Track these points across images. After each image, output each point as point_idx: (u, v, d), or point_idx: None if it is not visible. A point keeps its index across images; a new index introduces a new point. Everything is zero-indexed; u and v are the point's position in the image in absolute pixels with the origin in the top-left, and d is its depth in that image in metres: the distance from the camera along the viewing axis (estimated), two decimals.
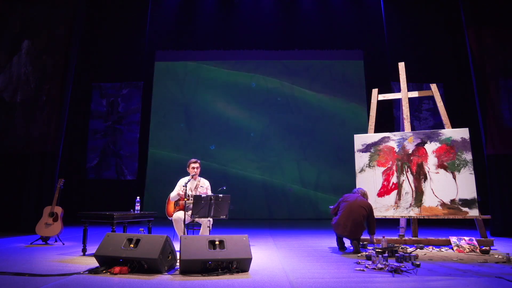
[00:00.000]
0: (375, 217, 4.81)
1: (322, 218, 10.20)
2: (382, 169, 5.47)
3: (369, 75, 11.07)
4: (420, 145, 5.37)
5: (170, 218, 4.55)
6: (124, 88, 10.45)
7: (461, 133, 5.22)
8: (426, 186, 5.18)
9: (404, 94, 5.92)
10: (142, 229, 4.29)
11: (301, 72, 11.52)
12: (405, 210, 5.19)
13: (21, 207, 6.71)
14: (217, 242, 3.30)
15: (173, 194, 4.59)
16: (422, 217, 5.09)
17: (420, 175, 5.26)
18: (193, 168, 4.68)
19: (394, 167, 5.42)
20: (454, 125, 5.52)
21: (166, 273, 3.17)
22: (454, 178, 5.08)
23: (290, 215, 10.59)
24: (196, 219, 4.42)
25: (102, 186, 9.83)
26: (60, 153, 7.03)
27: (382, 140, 5.61)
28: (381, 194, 5.38)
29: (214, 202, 4.03)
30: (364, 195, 4.79)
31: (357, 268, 3.41)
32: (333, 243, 5.04)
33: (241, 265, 3.25)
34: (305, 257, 4.09)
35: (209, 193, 4.66)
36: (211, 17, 11.35)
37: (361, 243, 4.65)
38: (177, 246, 3.50)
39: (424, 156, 5.31)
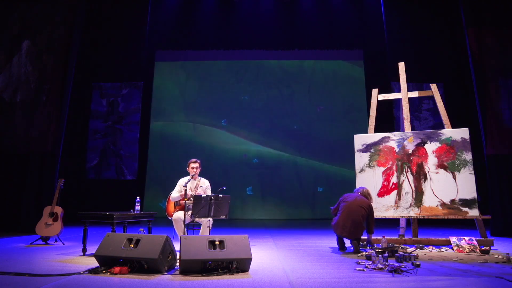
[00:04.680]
0: (375, 217, 4.81)
1: (321, 218, 10.19)
2: (382, 169, 5.47)
3: (369, 75, 11.07)
4: (420, 145, 5.37)
5: (170, 218, 4.55)
6: (124, 88, 10.45)
7: (461, 133, 5.22)
8: (426, 186, 5.18)
9: (404, 94, 5.93)
10: (142, 229, 4.29)
11: (301, 72, 11.52)
12: (405, 210, 5.19)
13: (21, 207, 6.71)
14: (217, 242, 3.30)
15: (174, 195, 4.59)
16: (422, 217, 5.09)
17: (420, 175, 5.26)
18: (193, 168, 4.68)
19: (394, 167, 5.42)
20: (454, 125, 5.52)
21: (166, 273, 3.18)
22: (454, 178, 5.08)
23: (289, 215, 10.59)
24: (196, 219, 4.42)
25: (102, 186, 9.83)
26: (60, 153, 7.03)
27: (382, 140, 5.61)
28: (381, 194, 5.38)
29: (214, 202, 4.03)
30: (366, 194, 4.76)
31: (357, 268, 3.41)
32: (333, 243, 5.04)
33: (241, 265, 3.25)
34: (305, 257, 4.09)
35: (209, 192, 4.65)
36: (211, 17, 11.34)
37: (361, 243, 4.65)
38: (177, 246, 3.50)
39: (424, 156, 5.31)
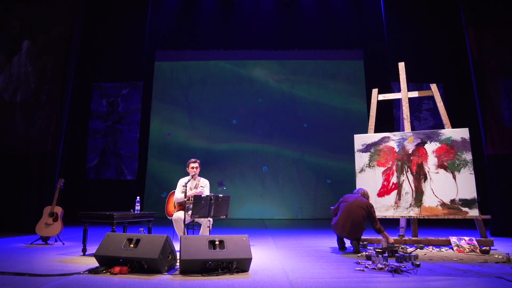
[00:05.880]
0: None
1: (321, 218, 10.20)
2: (382, 169, 5.47)
3: (369, 75, 11.06)
4: (420, 145, 5.37)
5: (170, 218, 4.55)
6: (124, 88, 10.45)
7: (461, 133, 5.22)
8: (426, 186, 5.18)
9: (404, 94, 5.93)
10: (142, 229, 4.29)
11: (301, 72, 11.52)
12: (405, 210, 5.19)
13: (21, 207, 6.71)
14: (217, 242, 3.30)
15: (178, 196, 4.58)
16: (422, 217, 5.09)
17: (420, 175, 5.26)
18: (193, 168, 4.68)
19: (394, 167, 5.42)
20: (454, 125, 5.52)
21: (166, 273, 3.18)
22: (454, 178, 5.08)
23: (290, 215, 10.59)
24: (196, 219, 4.42)
25: (102, 186, 9.82)
26: (60, 153, 7.02)
27: (382, 140, 5.61)
28: (381, 194, 5.38)
29: (214, 202, 4.03)
30: (365, 195, 4.77)
31: (357, 268, 3.41)
32: (333, 243, 5.04)
33: (241, 265, 3.25)
34: (305, 257, 4.09)
35: (207, 192, 4.65)
36: (211, 17, 11.34)
37: (361, 243, 4.65)
38: (177, 246, 3.50)
39: (424, 156, 5.31)
